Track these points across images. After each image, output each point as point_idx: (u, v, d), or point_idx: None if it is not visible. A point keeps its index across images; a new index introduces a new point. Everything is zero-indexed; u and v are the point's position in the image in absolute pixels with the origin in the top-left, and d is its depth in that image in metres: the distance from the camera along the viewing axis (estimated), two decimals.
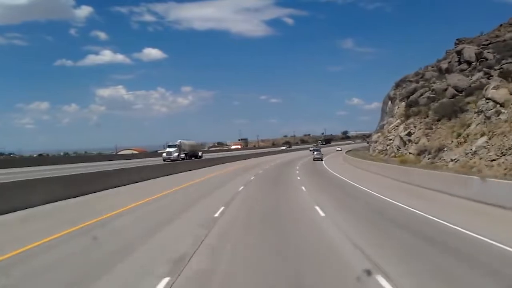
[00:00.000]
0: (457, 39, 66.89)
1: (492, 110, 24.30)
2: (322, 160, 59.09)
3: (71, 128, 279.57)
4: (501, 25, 62.00)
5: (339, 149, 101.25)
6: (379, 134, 54.75)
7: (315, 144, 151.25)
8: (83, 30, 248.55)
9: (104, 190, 19.79)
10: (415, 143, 36.20)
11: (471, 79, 47.15)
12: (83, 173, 22.22)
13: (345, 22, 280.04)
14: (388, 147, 46.46)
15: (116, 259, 7.69)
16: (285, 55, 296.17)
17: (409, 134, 39.88)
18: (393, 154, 42.43)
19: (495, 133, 21.59)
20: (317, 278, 6.45)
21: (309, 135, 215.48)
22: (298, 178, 27.30)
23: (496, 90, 25.41)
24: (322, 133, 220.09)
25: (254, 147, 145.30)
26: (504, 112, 23.09)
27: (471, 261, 7.46)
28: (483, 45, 54.55)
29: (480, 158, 21.15)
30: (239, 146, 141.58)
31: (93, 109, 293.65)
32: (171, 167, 37.37)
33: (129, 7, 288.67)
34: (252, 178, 27.97)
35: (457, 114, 36.37)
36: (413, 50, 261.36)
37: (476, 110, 26.64)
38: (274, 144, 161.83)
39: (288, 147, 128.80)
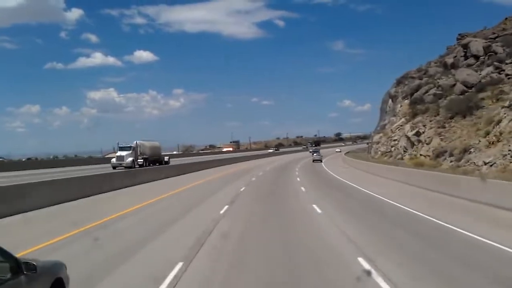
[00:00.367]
0: (459, 34, 63.53)
1: None
2: (321, 161, 56.74)
3: (62, 131, 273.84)
4: (506, 18, 58.63)
5: (339, 150, 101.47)
6: (381, 134, 50.93)
7: (305, 146, 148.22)
8: (74, 32, 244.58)
9: None
10: (426, 144, 32.36)
11: (480, 74, 43.65)
12: None
13: (336, 24, 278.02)
14: (392, 149, 42.60)
15: None
16: (277, 57, 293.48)
17: (417, 133, 36.06)
18: (399, 156, 38.56)
19: None
20: None
21: (301, 137, 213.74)
22: (303, 188, 21.85)
23: None
24: (315, 135, 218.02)
25: (246, 149, 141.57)
26: None
27: None
28: (490, 38, 51.07)
29: None
30: (231, 149, 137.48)
31: (84, 112, 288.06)
32: (131, 175, 29.25)
33: (120, 9, 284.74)
34: (242, 189, 22.72)
35: (472, 111, 32.67)
36: (405, 51, 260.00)
37: (507, 104, 22.80)
38: (266, 146, 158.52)
39: (276, 150, 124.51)
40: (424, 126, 35.49)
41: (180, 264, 7.58)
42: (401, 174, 25.01)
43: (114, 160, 39.29)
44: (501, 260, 7.81)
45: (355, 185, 23.71)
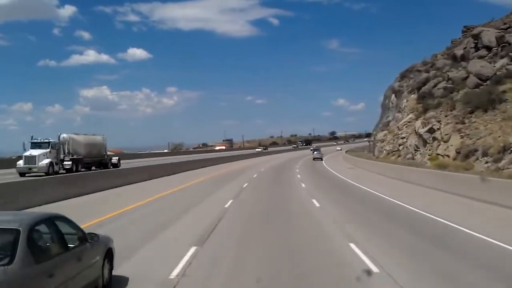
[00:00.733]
0: (465, 26, 60.11)
1: None
2: (322, 160, 55.46)
3: (55, 129, 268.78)
4: None
5: (339, 148, 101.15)
6: (386, 132, 47.15)
7: (295, 145, 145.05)
8: (67, 30, 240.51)
9: None
10: (444, 141, 28.57)
11: (494, 66, 40.08)
12: None
13: (331, 23, 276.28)
14: (400, 147, 38.84)
15: None
16: (271, 56, 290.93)
17: (431, 130, 32.31)
18: (409, 156, 34.79)
19: None
20: None
21: (296, 135, 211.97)
22: (316, 202, 16.34)
23: None
24: (309, 134, 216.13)
25: (240, 148, 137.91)
26: None
27: None
28: (502, 29, 47.51)
29: None
30: (224, 147, 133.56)
31: (77, 109, 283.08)
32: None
33: (113, 6, 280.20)
34: (228, 204, 16.32)
35: (495, 105, 28.99)
36: (399, 50, 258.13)
37: None
38: (260, 145, 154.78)
39: (264, 149, 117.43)
40: (438, 122, 31.74)
41: None
42: (434, 179, 20.60)
43: (20, 162, 27.02)
44: None
45: (380, 194, 18.86)
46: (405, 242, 9.82)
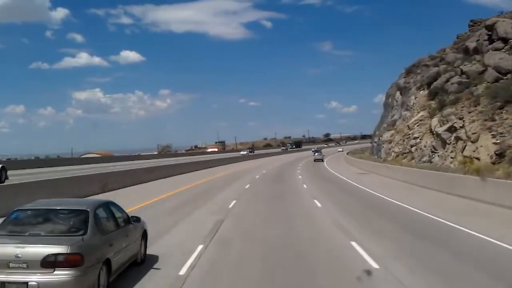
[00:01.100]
0: (471, 20, 56.46)
1: None
2: (323, 161, 56.05)
3: (47, 131, 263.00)
4: None
5: (341, 149, 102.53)
6: (392, 132, 43.08)
7: (284, 148, 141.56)
8: (59, 32, 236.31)
9: None
10: (472, 142, 24.51)
11: None
12: None
13: (324, 25, 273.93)
14: (413, 149, 34.76)
15: None
16: (264, 58, 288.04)
17: (451, 129, 28.27)
18: (425, 159, 30.69)
19: None
20: None
21: (290, 137, 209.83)
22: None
23: None
24: (303, 135, 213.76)
25: (232, 150, 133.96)
26: None
27: None
28: None
29: None
30: (216, 149, 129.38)
31: (69, 112, 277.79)
32: None
33: (106, 9, 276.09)
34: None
35: None
36: (392, 53, 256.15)
37: None
38: (253, 146, 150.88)
39: (250, 152, 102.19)
40: (460, 119, 27.71)
41: None
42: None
43: None
44: None
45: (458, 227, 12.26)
46: None
